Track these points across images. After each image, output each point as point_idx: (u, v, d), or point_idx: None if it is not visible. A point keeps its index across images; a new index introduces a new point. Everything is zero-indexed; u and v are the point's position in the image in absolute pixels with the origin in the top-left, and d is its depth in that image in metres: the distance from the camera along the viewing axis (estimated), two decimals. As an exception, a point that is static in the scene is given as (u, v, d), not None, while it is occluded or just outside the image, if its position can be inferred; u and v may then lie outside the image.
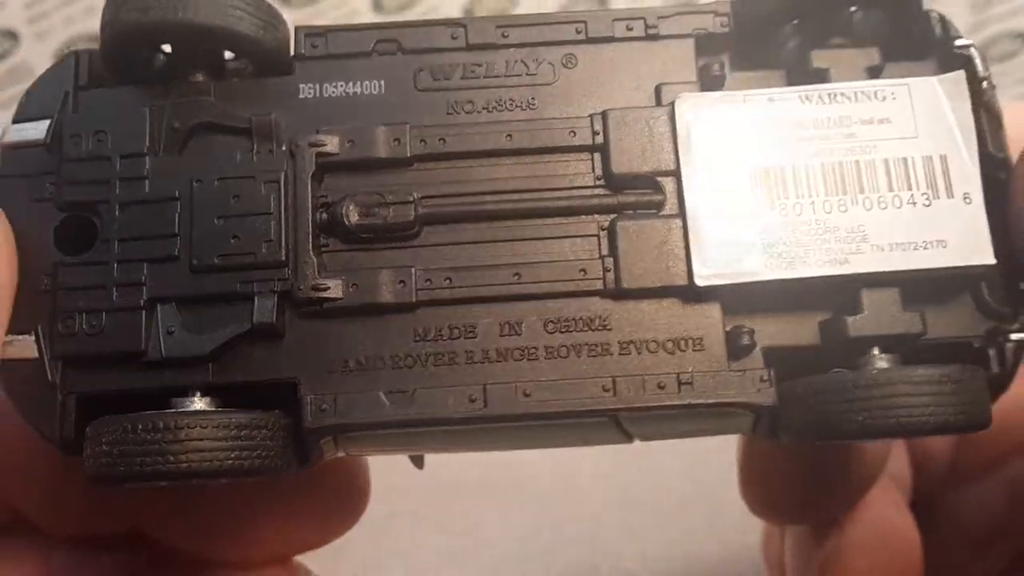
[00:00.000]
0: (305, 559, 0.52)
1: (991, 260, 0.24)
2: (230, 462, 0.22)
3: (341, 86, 0.26)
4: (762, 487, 0.33)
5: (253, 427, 0.23)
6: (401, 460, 0.29)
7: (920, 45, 0.26)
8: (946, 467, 0.37)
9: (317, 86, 0.26)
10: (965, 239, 0.24)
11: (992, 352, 0.25)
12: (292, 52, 0.26)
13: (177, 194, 0.24)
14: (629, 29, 0.26)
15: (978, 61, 0.26)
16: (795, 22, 0.26)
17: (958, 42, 0.26)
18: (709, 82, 0.26)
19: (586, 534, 0.49)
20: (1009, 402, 0.25)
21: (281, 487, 0.29)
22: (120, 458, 0.22)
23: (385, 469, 0.30)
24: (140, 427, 0.22)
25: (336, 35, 0.26)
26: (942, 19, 0.26)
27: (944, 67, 0.26)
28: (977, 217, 0.24)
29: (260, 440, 0.23)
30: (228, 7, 0.24)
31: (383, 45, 0.26)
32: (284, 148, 0.25)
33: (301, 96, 0.26)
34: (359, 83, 0.26)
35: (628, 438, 0.25)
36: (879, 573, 0.31)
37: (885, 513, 0.32)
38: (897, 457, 0.35)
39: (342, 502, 0.32)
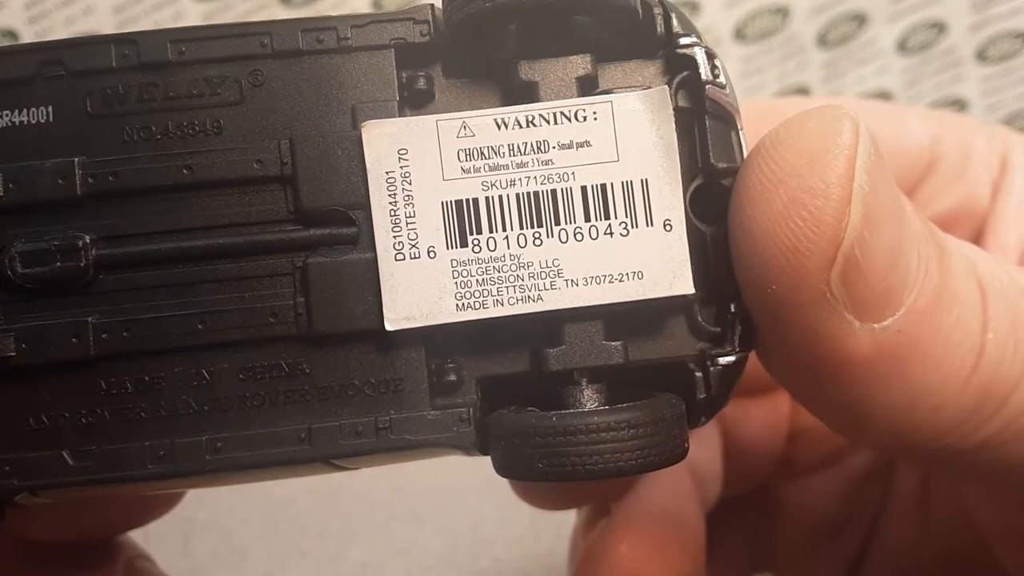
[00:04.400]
0: (306, 560, 0.53)
1: (690, 290, 0.23)
2: None
3: (7, 116, 0.23)
4: None
5: None
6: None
7: (647, 42, 0.25)
8: (773, 459, 0.38)
9: None
10: (664, 269, 0.23)
11: (699, 376, 0.24)
12: None
13: None
14: (319, 41, 0.24)
15: (702, 63, 0.24)
16: (510, 28, 0.24)
17: (682, 41, 0.24)
18: (414, 98, 0.24)
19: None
20: None
21: None
22: None
23: (385, 469, 0.29)
24: None
25: None
26: (666, 16, 0.24)
27: (670, 68, 0.25)
28: (677, 245, 0.23)
29: None
30: None
31: (48, 68, 0.23)
32: None
33: None
34: (25, 111, 0.23)
35: (340, 469, 0.25)
36: (642, 555, 0.31)
37: (657, 499, 0.32)
38: (706, 448, 0.35)
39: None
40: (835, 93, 0.63)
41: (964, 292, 0.23)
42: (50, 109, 0.23)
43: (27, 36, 0.56)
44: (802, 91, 0.63)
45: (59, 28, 0.56)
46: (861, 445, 0.35)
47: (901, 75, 0.64)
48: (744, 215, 0.22)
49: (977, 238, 0.32)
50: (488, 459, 0.25)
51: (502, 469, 0.24)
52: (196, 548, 0.54)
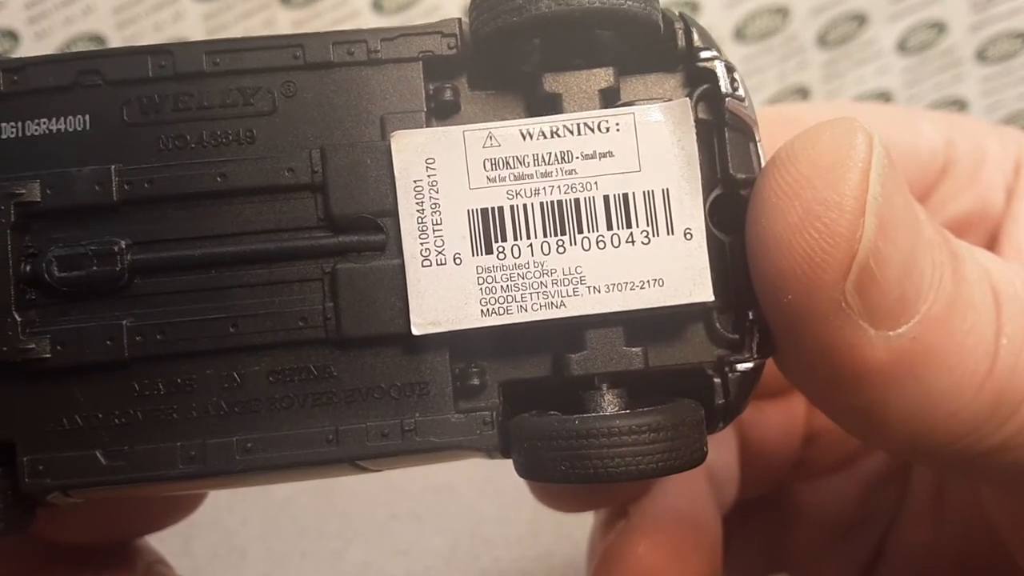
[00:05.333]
0: (306, 560, 0.53)
1: (710, 297, 0.24)
2: None
3: (44, 123, 0.24)
4: None
5: None
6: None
7: (669, 56, 0.25)
8: (789, 462, 0.38)
9: (19, 125, 0.24)
10: (684, 276, 0.24)
11: (718, 382, 0.25)
12: None
13: None
14: (350, 53, 0.24)
15: (722, 76, 0.25)
16: (535, 42, 0.25)
17: (702, 55, 0.25)
18: (440, 108, 0.25)
19: (586, 534, 0.48)
20: None
21: None
22: None
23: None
24: None
25: (36, 68, 0.24)
26: (687, 31, 0.25)
27: (690, 81, 0.25)
28: (697, 253, 0.24)
29: None
30: None
31: (85, 76, 0.24)
32: None
33: (3, 136, 0.24)
34: (63, 119, 0.24)
35: (365, 470, 0.26)
36: (660, 557, 0.32)
37: (674, 501, 0.33)
38: (722, 451, 0.36)
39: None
40: (835, 93, 0.64)
41: (978, 299, 0.23)
42: (87, 117, 0.24)
43: (27, 36, 0.56)
44: (802, 91, 0.64)
45: (59, 28, 0.56)
46: (877, 448, 0.36)
47: (901, 75, 0.64)
48: (760, 226, 0.23)
49: (991, 242, 0.33)
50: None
51: (524, 471, 0.24)
52: (196, 548, 0.54)
